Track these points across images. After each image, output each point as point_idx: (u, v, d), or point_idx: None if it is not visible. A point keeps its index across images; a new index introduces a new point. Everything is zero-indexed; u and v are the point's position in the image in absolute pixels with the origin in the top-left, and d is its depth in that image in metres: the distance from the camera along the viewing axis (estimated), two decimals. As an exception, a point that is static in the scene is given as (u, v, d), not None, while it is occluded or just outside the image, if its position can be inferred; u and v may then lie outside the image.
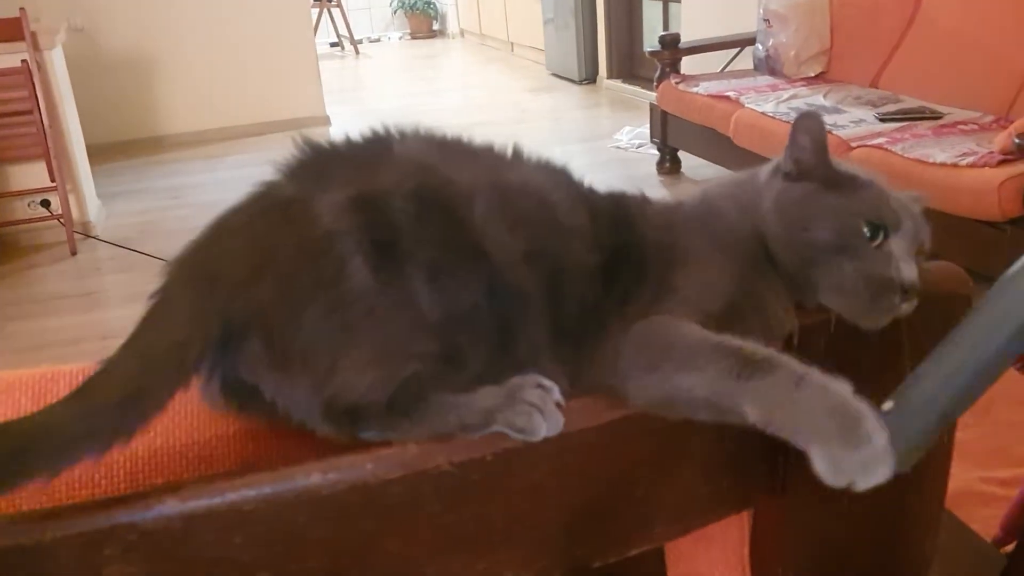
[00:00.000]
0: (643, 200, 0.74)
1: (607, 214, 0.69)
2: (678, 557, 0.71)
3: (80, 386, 0.55)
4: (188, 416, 0.59)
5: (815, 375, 0.56)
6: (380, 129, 0.66)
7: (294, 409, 0.59)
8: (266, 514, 0.54)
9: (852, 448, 0.54)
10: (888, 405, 0.57)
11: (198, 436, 0.61)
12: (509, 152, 0.69)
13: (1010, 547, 1.12)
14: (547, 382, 0.59)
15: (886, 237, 0.66)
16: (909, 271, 0.65)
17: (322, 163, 0.64)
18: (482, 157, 0.68)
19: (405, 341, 0.60)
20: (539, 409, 0.57)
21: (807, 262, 0.66)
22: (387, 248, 0.60)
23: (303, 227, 0.60)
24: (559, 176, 0.70)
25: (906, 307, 0.65)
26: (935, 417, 0.57)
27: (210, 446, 0.62)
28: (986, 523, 1.27)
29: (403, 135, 0.67)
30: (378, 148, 0.66)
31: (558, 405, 0.58)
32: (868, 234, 0.66)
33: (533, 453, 0.58)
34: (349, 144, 0.66)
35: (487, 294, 0.62)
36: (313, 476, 0.55)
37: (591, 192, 0.71)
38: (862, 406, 0.55)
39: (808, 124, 0.71)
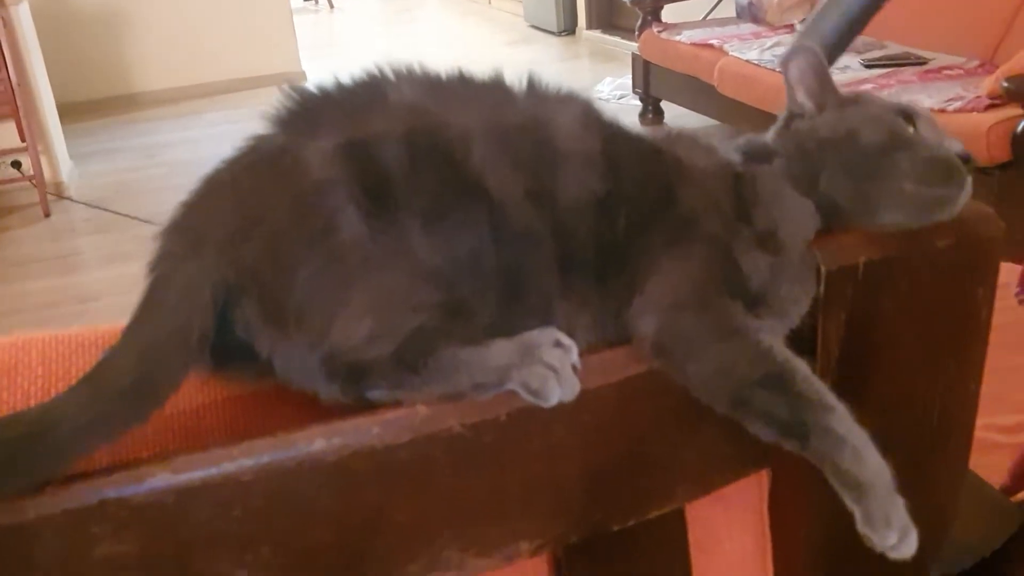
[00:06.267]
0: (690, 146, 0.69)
1: (627, 143, 0.65)
2: (694, 520, 0.68)
3: (87, 375, 0.52)
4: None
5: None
6: (374, 71, 0.62)
7: (294, 370, 0.56)
8: (266, 485, 0.51)
9: (895, 506, 0.56)
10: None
11: (184, 405, 0.57)
12: (521, 84, 0.64)
13: (1022, 495, 1.11)
14: (566, 340, 0.55)
15: (915, 126, 0.67)
16: (952, 143, 0.66)
17: (312, 110, 0.61)
18: (484, 95, 0.63)
19: (405, 292, 0.56)
20: (555, 371, 0.54)
21: (863, 176, 0.65)
22: (380, 196, 0.56)
23: (291, 178, 0.57)
24: (574, 104, 0.65)
25: (969, 182, 0.64)
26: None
27: (198, 415, 0.58)
28: (989, 470, 1.25)
29: (398, 77, 0.62)
30: (370, 92, 0.62)
31: (574, 368, 0.55)
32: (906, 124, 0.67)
33: (549, 413, 0.55)
34: (340, 89, 0.62)
35: (490, 238, 0.58)
36: (316, 442, 0.51)
37: (613, 124, 0.66)
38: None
39: (806, 63, 0.71)
